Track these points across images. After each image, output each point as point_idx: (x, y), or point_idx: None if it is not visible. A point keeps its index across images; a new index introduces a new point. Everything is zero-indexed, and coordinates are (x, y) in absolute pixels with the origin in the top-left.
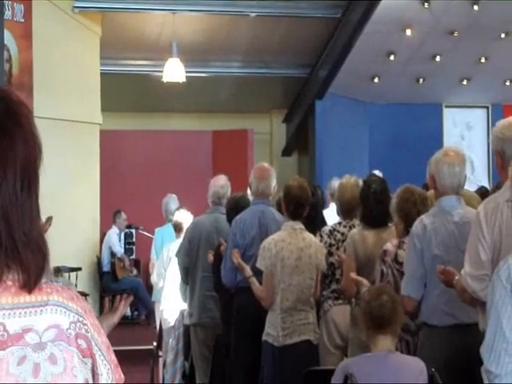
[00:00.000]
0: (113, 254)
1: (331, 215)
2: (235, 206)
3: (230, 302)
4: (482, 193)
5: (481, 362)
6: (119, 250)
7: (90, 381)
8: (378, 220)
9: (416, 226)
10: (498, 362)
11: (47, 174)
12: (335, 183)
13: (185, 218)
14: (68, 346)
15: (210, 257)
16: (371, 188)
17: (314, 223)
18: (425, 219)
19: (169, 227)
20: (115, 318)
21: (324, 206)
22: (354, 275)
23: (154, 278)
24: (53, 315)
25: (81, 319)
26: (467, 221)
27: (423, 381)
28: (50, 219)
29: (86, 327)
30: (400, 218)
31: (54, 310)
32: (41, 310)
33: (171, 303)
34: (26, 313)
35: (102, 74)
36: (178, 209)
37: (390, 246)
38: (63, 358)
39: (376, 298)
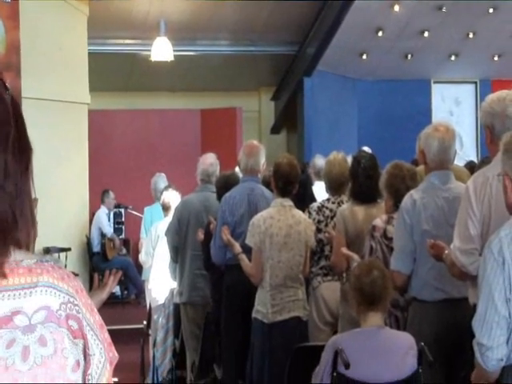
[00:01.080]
0: (103, 235)
1: (315, 193)
2: (225, 184)
3: (220, 279)
4: (471, 167)
5: (471, 336)
6: (109, 230)
7: (82, 362)
8: (367, 195)
9: (405, 201)
10: (489, 334)
11: (35, 155)
12: (318, 161)
13: (172, 197)
14: (58, 327)
15: (200, 235)
16: (361, 163)
17: (304, 200)
18: (414, 194)
19: (158, 206)
20: (104, 294)
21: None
22: (344, 250)
23: (142, 257)
24: (42, 297)
25: (72, 300)
26: (457, 196)
27: (413, 355)
28: (35, 200)
29: (77, 308)
30: (389, 194)
31: (43, 292)
32: (30, 292)
33: (160, 282)
34: (15, 295)
35: (89, 53)
36: (166, 188)
37: (379, 221)
38: (53, 340)
39: (367, 274)
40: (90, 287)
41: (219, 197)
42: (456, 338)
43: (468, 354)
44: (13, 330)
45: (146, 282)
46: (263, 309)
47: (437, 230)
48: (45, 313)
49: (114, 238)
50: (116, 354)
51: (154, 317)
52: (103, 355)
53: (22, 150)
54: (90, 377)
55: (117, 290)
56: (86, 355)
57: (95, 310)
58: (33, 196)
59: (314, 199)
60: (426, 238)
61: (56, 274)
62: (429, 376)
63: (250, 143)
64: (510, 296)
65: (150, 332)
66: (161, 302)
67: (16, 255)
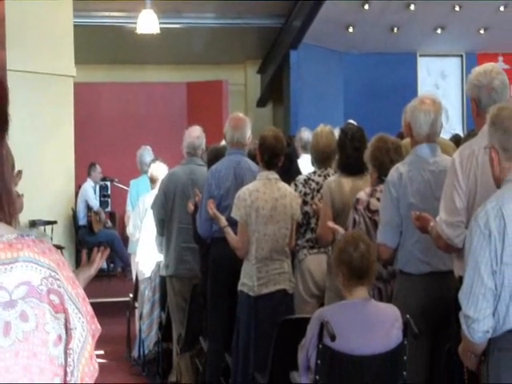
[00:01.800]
0: (89, 208)
1: (301, 167)
2: (216, 157)
3: (209, 252)
4: (457, 141)
5: (456, 309)
6: (95, 203)
7: (64, 336)
8: (354, 168)
9: (392, 174)
10: (476, 306)
11: (21, 127)
12: (305, 134)
13: (160, 169)
14: (40, 302)
15: (191, 206)
16: (348, 135)
17: (289, 173)
18: (400, 167)
19: (144, 179)
20: (92, 270)
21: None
22: (330, 224)
23: (130, 230)
24: (23, 272)
25: (53, 274)
26: (443, 169)
27: (398, 328)
28: (19, 173)
29: (58, 282)
30: (374, 167)
31: (24, 267)
32: (11, 268)
33: (147, 255)
34: None
35: (75, 26)
36: (153, 161)
37: (362, 194)
38: (35, 315)
39: (354, 248)
40: (76, 260)
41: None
42: (441, 311)
43: (453, 327)
44: None
45: (133, 255)
46: (249, 282)
47: (423, 204)
48: (26, 288)
49: (100, 212)
50: (99, 327)
51: (141, 290)
52: (85, 328)
53: None
54: (71, 351)
55: (103, 263)
56: (67, 329)
57: (77, 282)
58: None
59: (299, 172)
60: (412, 211)
61: (37, 249)
62: (414, 348)
63: (236, 116)
64: (496, 268)
65: (137, 305)
66: (148, 275)
67: None
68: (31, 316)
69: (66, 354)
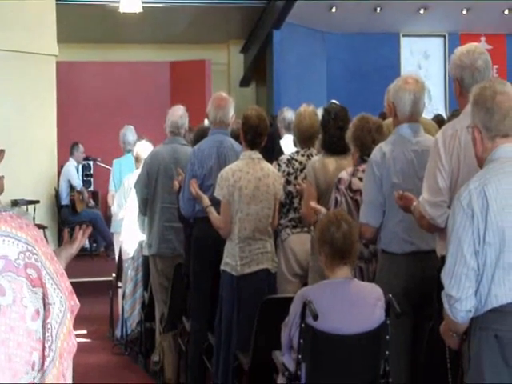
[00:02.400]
0: (72, 187)
1: (284, 146)
2: (202, 136)
3: (192, 232)
4: (439, 121)
5: (438, 288)
6: (78, 183)
7: (41, 310)
8: (338, 147)
9: (375, 153)
10: (458, 286)
11: (2, 107)
12: (288, 113)
13: (145, 149)
14: (17, 276)
15: (176, 185)
16: (331, 115)
17: (272, 153)
18: (384, 147)
19: (126, 158)
20: (74, 249)
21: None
22: (313, 203)
23: (114, 209)
24: (0, 246)
25: (30, 248)
26: (426, 149)
27: (381, 307)
28: (1, 152)
29: (35, 256)
30: (355, 147)
31: (1, 241)
32: None
33: (131, 234)
34: None
35: (57, 4)
36: (138, 140)
37: (344, 174)
38: (12, 290)
39: (337, 228)
40: (59, 240)
41: None
42: (424, 290)
43: (435, 306)
44: None
45: (116, 234)
46: (232, 261)
47: (406, 183)
48: (2, 262)
49: (83, 191)
50: (77, 303)
51: (125, 269)
52: (63, 304)
53: None
54: (49, 325)
55: (86, 242)
56: (45, 304)
57: (55, 258)
58: None
59: (281, 152)
60: (395, 190)
61: (14, 224)
62: (396, 327)
63: (219, 95)
64: (478, 248)
65: (120, 284)
66: (132, 254)
67: None
68: (8, 290)
69: (44, 328)
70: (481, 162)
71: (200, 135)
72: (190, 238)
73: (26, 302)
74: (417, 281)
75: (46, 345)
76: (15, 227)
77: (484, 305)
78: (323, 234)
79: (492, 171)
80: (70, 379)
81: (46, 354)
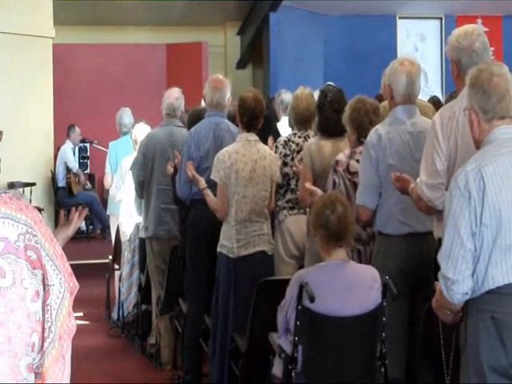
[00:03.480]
0: (68, 170)
1: (281, 129)
2: (198, 118)
3: (188, 214)
4: (434, 102)
5: (436, 270)
6: (75, 165)
7: (41, 292)
8: (334, 129)
9: (371, 135)
10: (455, 268)
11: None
12: (286, 96)
13: (143, 131)
14: (17, 258)
15: (170, 168)
16: (327, 97)
17: (268, 135)
18: (380, 129)
19: (123, 140)
20: (70, 231)
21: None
22: (308, 185)
23: (112, 191)
24: (0, 228)
25: (30, 230)
26: (422, 130)
27: (377, 289)
28: (0, 134)
29: (35, 238)
30: (352, 129)
31: (0, 223)
32: None
33: (129, 216)
34: None
35: None
36: (137, 122)
37: (342, 156)
38: (12, 271)
39: (332, 211)
40: (55, 222)
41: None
42: (420, 272)
43: (432, 288)
44: None
45: (112, 216)
46: (228, 243)
47: (402, 165)
48: (3, 244)
49: (80, 173)
50: (77, 284)
51: (123, 251)
52: (63, 285)
53: None
54: (49, 307)
55: (82, 224)
56: (45, 285)
57: (55, 240)
58: None
59: (278, 134)
60: (392, 172)
61: (14, 205)
62: (393, 309)
63: (215, 77)
64: (475, 230)
65: (116, 266)
66: (129, 237)
67: None
68: (8, 272)
69: (43, 310)
70: (478, 144)
71: (196, 116)
72: (186, 220)
73: (26, 284)
74: (413, 262)
75: (46, 326)
76: (15, 209)
77: (481, 286)
78: (318, 216)
79: (489, 153)
80: (69, 360)
81: (45, 335)
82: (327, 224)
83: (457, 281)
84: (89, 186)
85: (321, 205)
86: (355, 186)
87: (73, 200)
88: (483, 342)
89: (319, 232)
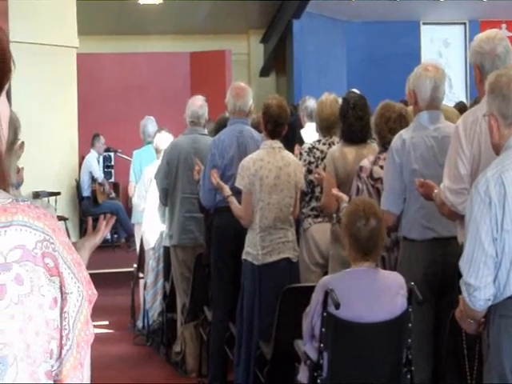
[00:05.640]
0: (93, 179)
1: (306, 135)
2: (224, 126)
3: (212, 222)
4: (461, 108)
5: (459, 275)
6: (100, 175)
7: (59, 300)
8: (357, 136)
9: (395, 141)
10: (477, 274)
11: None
12: (310, 102)
13: (165, 139)
14: (34, 265)
15: (196, 175)
16: (350, 104)
17: (292, 142)
18: (404, 134)
19: (147, 149)
20: (97, 239)
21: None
22: (335, 191)
23: (135, 200)
24: (17, 235)
25: (47, 238)
26: (446, 135)
27: (403, 295)
28: (22, 144)
29: (53, 246)
30: (376, 134)
31: (18, 230)
32: (5, 231)
33: (153, 225)
34: None
35: None
36: (158, 130)
37: (366, 162)
38: (29, 279)
39: (365, 224)
40: (80, 231)
41: None
42: (445, 277)
43: (457, 293)
44: None
45: (137, 225)
46: (253, 251)
47: (426, 170)
48: (20, 251)
49: (105, 183)
50: (95, 292)
51: (147, 260)
52: (81, 293)
53: None
54: (66, 314)
55: (107, 233)
56: (62, 293)
57: (73, 248)
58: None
59: (302, 141)
60: (416, 177)
61: (32, 213)
62: (418, 315)
63: (237, 85)
64: (496, 235)
65: (141, 275)
66: (153, 245)
67: None
68: (26, 279)
69: (61, 317)
70: (497, 150)
71: (222, 125)
72: (211, 228)
73: (44, 291)
74: (438, 267)
75: (64, 334)
76: (32, 217)
77: (503, 292)
78: (350, 224)
79: (509, 158)
80: (88, 368)
81: (63, 342)
82: (357, 235)
83: (479, 287)
84: (113, 195)
85: (354, 211)
86: (378, 192)
87: (98, 209)
88: (506, 347)
89: (348, 240)
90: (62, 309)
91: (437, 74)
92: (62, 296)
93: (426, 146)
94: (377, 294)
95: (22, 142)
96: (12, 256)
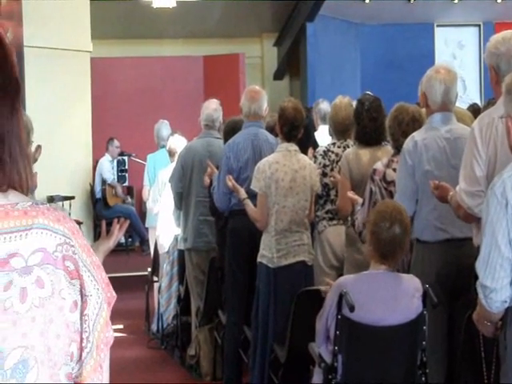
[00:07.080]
0: (104, 181)
1: (319, 138)
2: (233, 129)
3: (225, 225)
4: (474, 110)
5: (474, 276)
6: (109, 176)
7: (79, 302)
8: (371, 138)
9: (407, 143)
10: (493, 276)
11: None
12: (323, 105)
13: (178, 143)
14: (55, 268)
15: (207, 179)
16: (365, 106)
17: (307, 145)
18: (416, 136)
19: (161, 153)
20: (111, 243)
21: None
22: (350, 193)
23: (149, 204)
24: (38, 238)
25: (68, 241)
26: (458, 136)
27: (418, 298)
28: (39, 148)
29: (73, 249)
30: (390, 137)
31: (39, 233)
32: (26, 234)
33: (167, 228)
34: (10, 238)
35: (91, 0)
36: (172, 134)
37: (379, 164)
38: (50, 282)
39: (388, 228)
40: (94, 235)
41: (226, 142)
42: (459, 278)
43: (470, 294)
44: (10, 273)
45: (151, 229)
46: (268, 253)
47: (438, 171)
48: (41, 255)
49: (116, 185)
50: (114, 294)
51: (161, 264)
52: (100, 295)
53: (5, 89)
54: (86, 317)
55: (121, 237)
56: (82, 296)
57: (91, 251)
58: (31, 140)
59: (316, 144)
60: (428, 178)
61: (51, 216)
62: (433, 317)
63: (252, 88)
64: None
65: (156, 279)
66: (167, 249)
67: (11, 198)
68: (47, 282)
69: (81, 320)
70: None
71: (231, 128)
72: (223, 230)
73: (64, 294)
74: (451, 269)
75: (84, 336)
76: (52, 220)
77: None
78: (374, 222)
79: None
80: (107, 370)
81: (83, 345)
82: (378, 235)
83: (495, 289)
84: (129, 200)
85: (382, 212)
86: (391, 195)
87: (110, 212)
88: None
89: (370, 236)
90: (82, 311)
91: (448, 77)
92: (81, 299)
93: (438, 147)
94: (393, 298)
95: (39, 146)
96: (33, 259)
